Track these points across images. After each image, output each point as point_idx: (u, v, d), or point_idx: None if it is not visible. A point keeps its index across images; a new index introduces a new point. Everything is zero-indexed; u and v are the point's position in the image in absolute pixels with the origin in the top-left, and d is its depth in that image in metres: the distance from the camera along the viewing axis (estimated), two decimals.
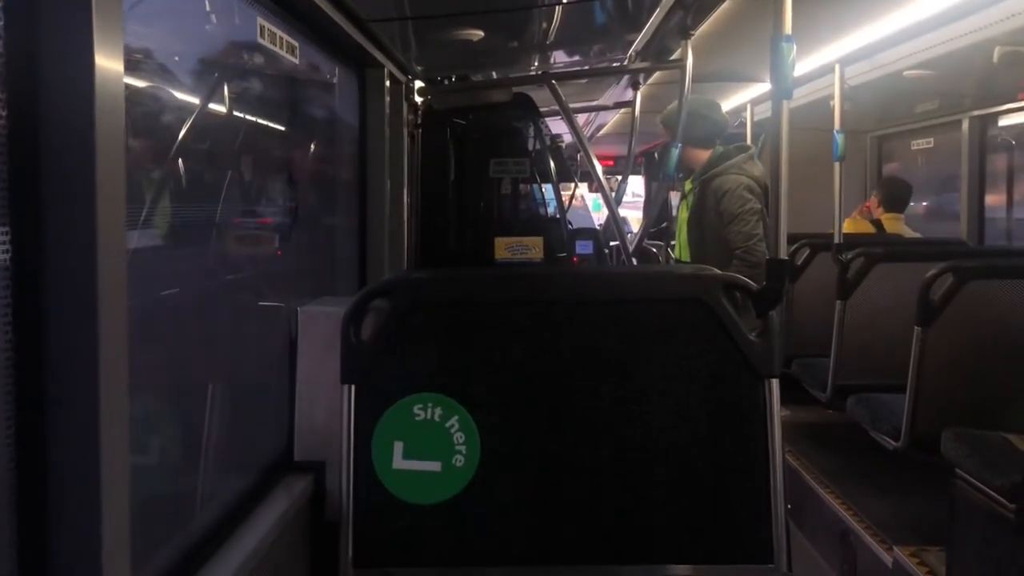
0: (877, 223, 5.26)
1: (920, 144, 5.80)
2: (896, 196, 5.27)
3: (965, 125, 4.98)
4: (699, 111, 3.75)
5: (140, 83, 1.60)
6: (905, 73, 3.99)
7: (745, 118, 5.89)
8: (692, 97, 3.57)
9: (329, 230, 2.93)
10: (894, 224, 5.19)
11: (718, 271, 2.02)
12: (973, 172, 4.99)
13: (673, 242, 4.41)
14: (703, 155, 3.81)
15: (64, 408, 1.03)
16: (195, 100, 1.89)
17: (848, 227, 4.93)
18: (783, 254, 1.95)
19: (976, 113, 4.89)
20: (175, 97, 1.80)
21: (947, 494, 2.47)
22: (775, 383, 1.90)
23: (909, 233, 5.19)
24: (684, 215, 4.02)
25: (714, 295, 1.91)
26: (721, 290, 1.92)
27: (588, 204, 7.86)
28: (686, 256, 3.95)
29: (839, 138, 4.00)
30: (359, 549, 1.85)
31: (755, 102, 5.65)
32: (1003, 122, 4.84)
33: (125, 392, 1.09)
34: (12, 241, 1.02)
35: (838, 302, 3.65)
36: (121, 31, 1.08)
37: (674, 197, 6.25)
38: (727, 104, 5.93)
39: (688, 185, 3.95)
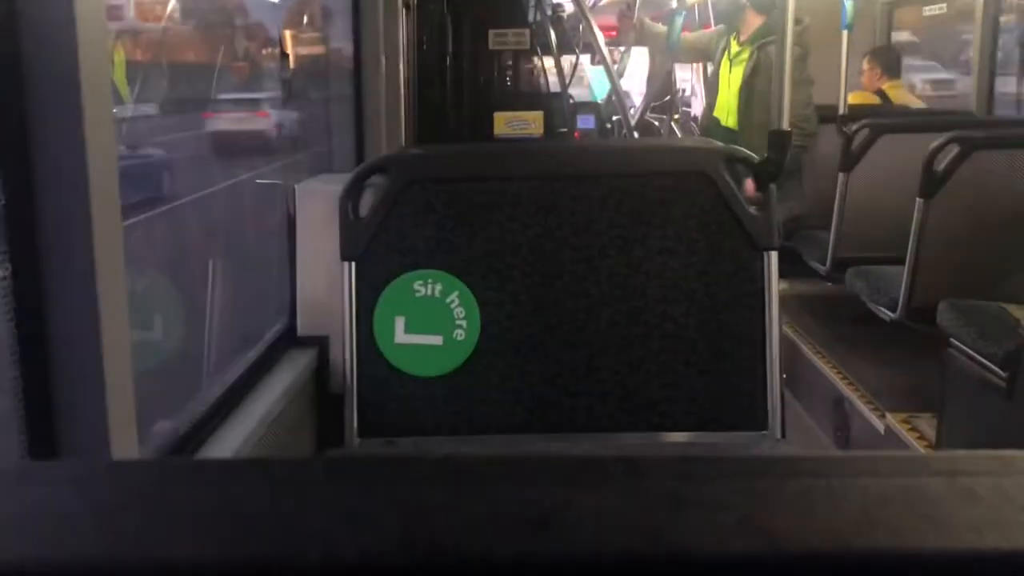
0: (882, 93, 5.16)
1: (933, 10, 5.62)
2: (895, 61, 5.17)
3: None
4: None
5: None
6: None
7: None
8: None
9: (324, 106, 2.88)
10: (898, 92, 5.09)
11: (719, 143, 2.00)
12: (985, 39, 4.84)
13: (682, 112, 4.34)
14: (758, 21, 3.72)
15: (62, 262, 1.03)
16: None
17: (852, 98, 4.85)
18: (785, 125, 1.92)
19: None
20: None
21: (941, 363, 2.51)
22: (774, 255, 1.90)
23: (915, 101, 5.09)
24: (730, 78, 3.97)
25: (715, 167, 1.89)
26: (722, 162, 1.90)
27: (590, 81, 7.62)
28: (733, 122, 3.93)
29: (848, 4, 3.87)
30: (363, 419, 1.90)
31: None
32: None
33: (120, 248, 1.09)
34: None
35: (840, 174, 3.61)
36: None
37: (680, 70, 6.11)
38: None
39: (735, 48, 3.89)
